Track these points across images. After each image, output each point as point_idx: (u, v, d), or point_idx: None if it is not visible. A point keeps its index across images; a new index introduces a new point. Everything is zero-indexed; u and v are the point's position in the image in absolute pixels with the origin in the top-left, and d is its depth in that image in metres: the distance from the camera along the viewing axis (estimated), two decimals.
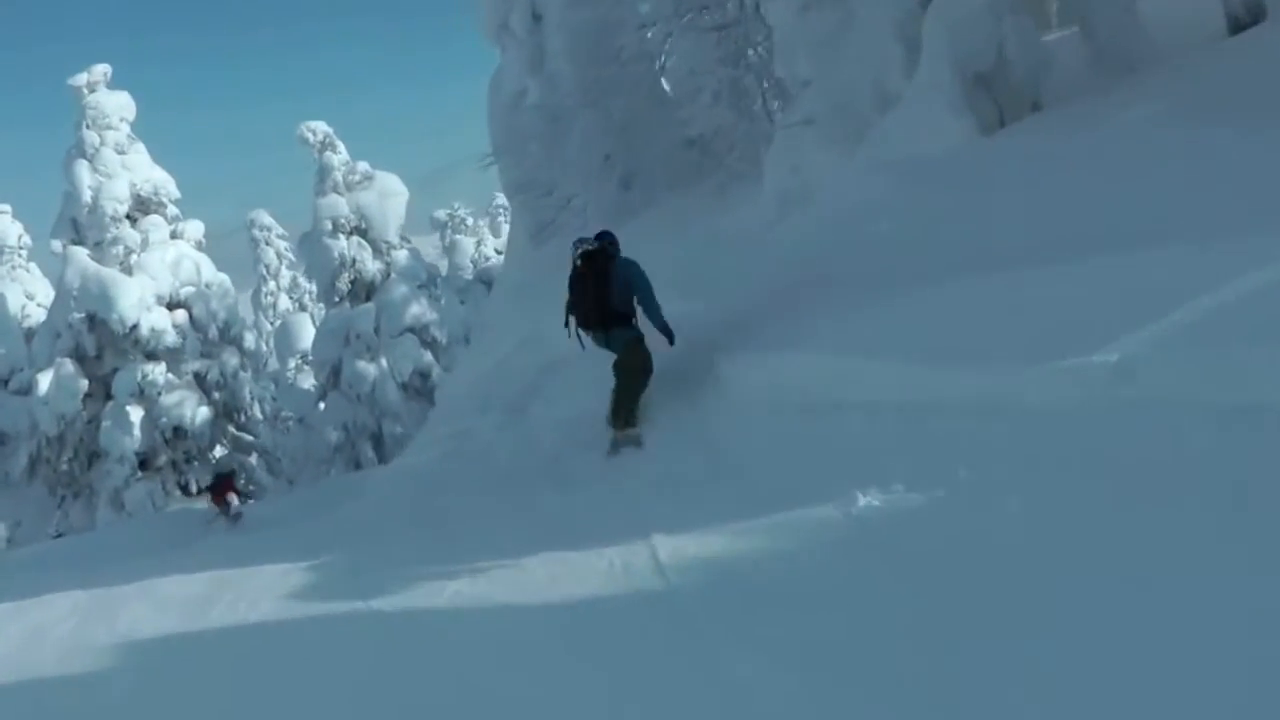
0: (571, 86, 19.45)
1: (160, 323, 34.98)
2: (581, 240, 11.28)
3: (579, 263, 10.92)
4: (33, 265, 40.62)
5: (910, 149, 12.50)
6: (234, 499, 23.70)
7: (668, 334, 10.93)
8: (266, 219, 68.98)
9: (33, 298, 39.61)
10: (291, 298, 68.06)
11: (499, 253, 57.34)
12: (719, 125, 16.61)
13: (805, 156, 15.28)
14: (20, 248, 40.24)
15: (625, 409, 10.69)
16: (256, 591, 9.63)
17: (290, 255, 66.18)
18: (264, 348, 64.41)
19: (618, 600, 6.75)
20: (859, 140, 13.89)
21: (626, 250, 11.49)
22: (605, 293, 10.75)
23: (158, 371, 35.11)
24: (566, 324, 11.13)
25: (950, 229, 9.98)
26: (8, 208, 39.98)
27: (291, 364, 56.34)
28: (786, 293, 10.99)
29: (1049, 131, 11.86)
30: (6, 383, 37.91)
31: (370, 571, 9.09)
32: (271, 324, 65.50)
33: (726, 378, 10.30)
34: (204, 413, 35.81)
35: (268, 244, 68.21)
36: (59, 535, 36.14)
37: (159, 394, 35.16)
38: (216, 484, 25.10)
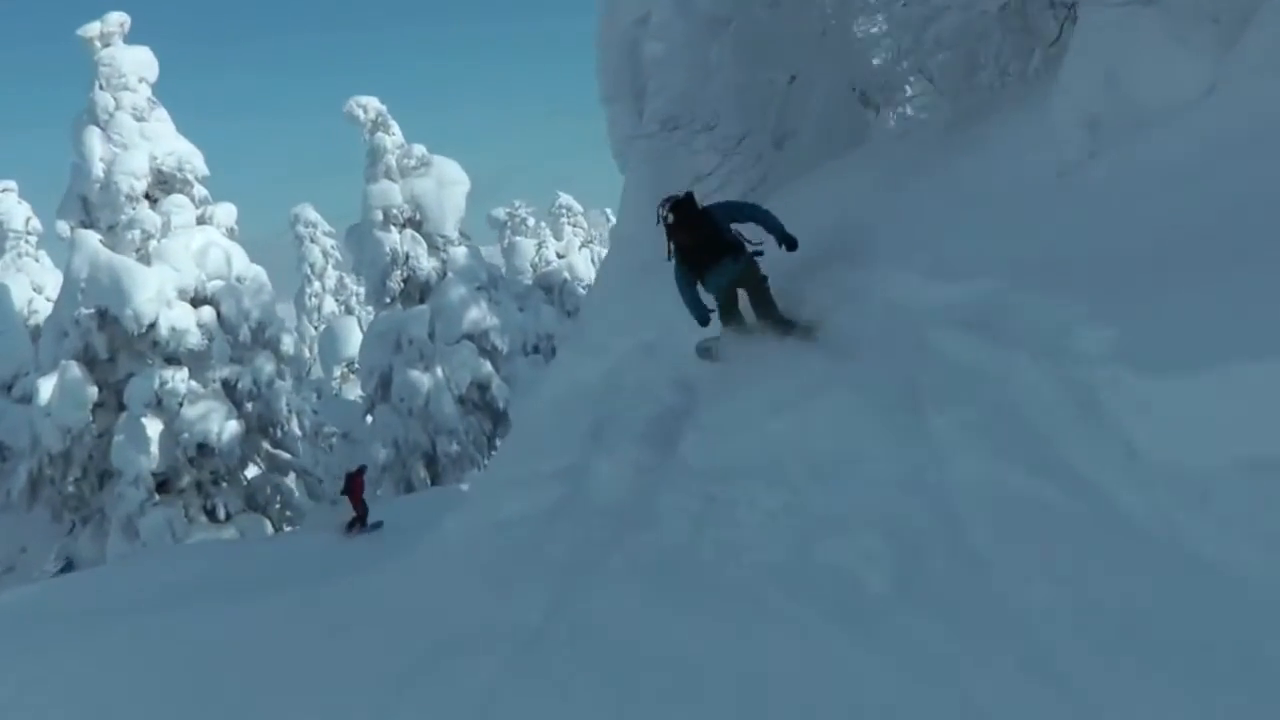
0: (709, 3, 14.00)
1: (182, 321, 30.02)
2: (669, 198, 10.67)
3: (670, 217, 10.41)
4: (43, 254, 36.45)
5: None
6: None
7: (791, 241, 10.16)
8: (312, 214, 64.65)
9: (41, 290, 35.17)
10: (338, 300, 63.78)
11: (560, 256, 52.89)
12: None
13: (1133, 57, 9.41)
14: (28, 233, 35.84)
15: (777, 319, 9.99)
16: None
17: (337, 254, 61.79)
18: (306, 354, 60.97)
19: None
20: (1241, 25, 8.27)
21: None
22: (714, 229, 10.25)
23: (179, 378, 30.08)
24: (683, 286, 10.42)
25: None
26: (13, 184, 35.45)
27: (337, 372, 52.98)
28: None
29: None
30: (10, 388, 33.20)
31: None
32: (316, 328, 61.20)
33: None
34: (233, 427, 30.79)
35: (313, 241, 63.81)
36: (64, 567, 31.48)
37: (180, 405, 30.18)
38: (349, 485, 24.36)
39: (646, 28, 16.33)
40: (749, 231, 10.27)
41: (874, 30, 12.39)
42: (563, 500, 9.49)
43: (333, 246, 62.14)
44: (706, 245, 10.21)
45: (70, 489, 31.56)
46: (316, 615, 10.31)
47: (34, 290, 35.71)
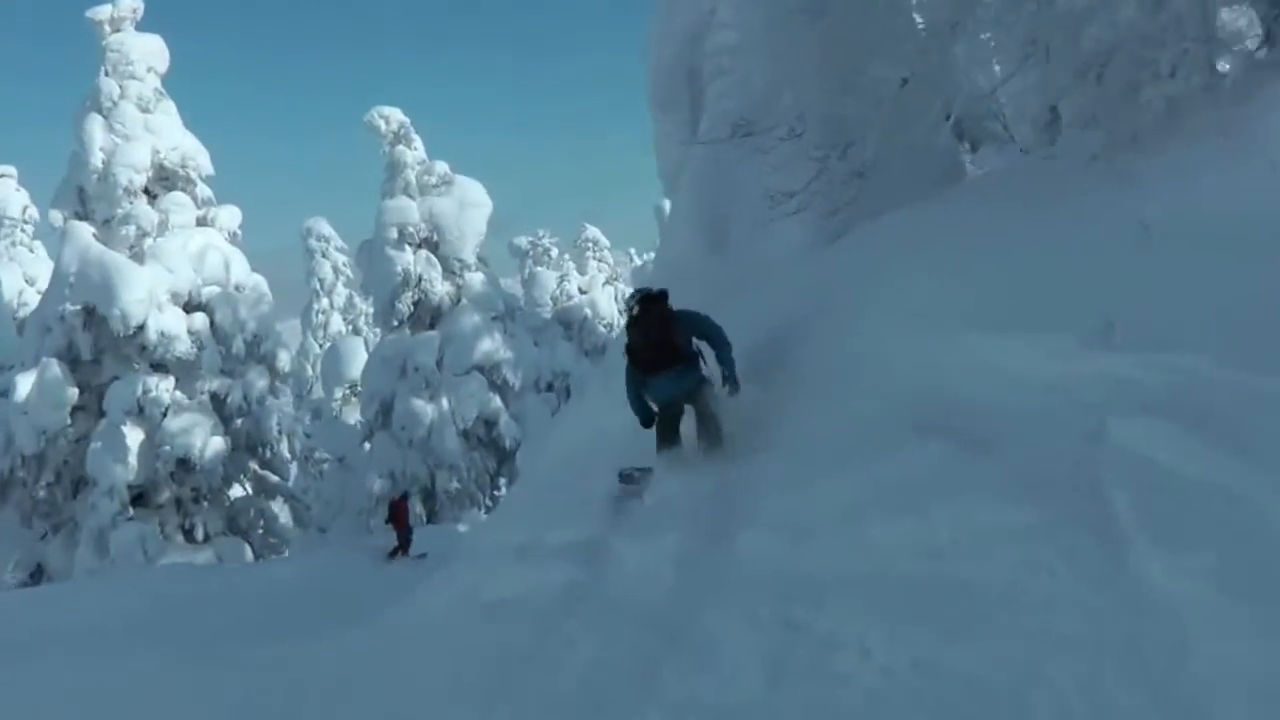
0: None
1: (172, 326, 28.06)
2: (638, 289, 10.56)
3: (635, 309, 10.15)
4: (38, 245, 34.52)
5: None
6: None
7: (735, 383, 9.69)
8: (325, 228, 62.36)
9: (33, 283, 33.46)
10: (346, 319, 61.55)
11: (583, 292, 50.82)
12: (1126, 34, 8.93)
13: None
14: (25, 221, 34.13)
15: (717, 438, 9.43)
16: None
17: (348, 271, 59.76)
18: (309, 372, 58.83)
19: None
20: None
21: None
22: (672, 334, 9.80)
23: (163, 387, 28.13)
24: (629, 386, 10.07)
25: None
26: (12, 171, 33.63)
27: (338, 394, 50.84)
28: None
29: None
30: None
31: None
32: (320, 346, 59.04)
33: None
34: (217, 443, 28.79)
35: (324, 256, 61.62)
36: (32, 574, 29.53)
37: (164, 415, 28.14)
38: (393, 513, 24.21)
39: (714, 18, 14.43)
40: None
41: (985, 38, 10.24)
42: (573, 588, 7.30)
43: (345, 263, 60.05)
44: (657, 350, 9.81)
45: (42, 494, 29.56)
46: (219, 698, 8.30)
47: (26, 282, 33.87)
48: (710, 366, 9.87)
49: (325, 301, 61.65)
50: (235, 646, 11.03)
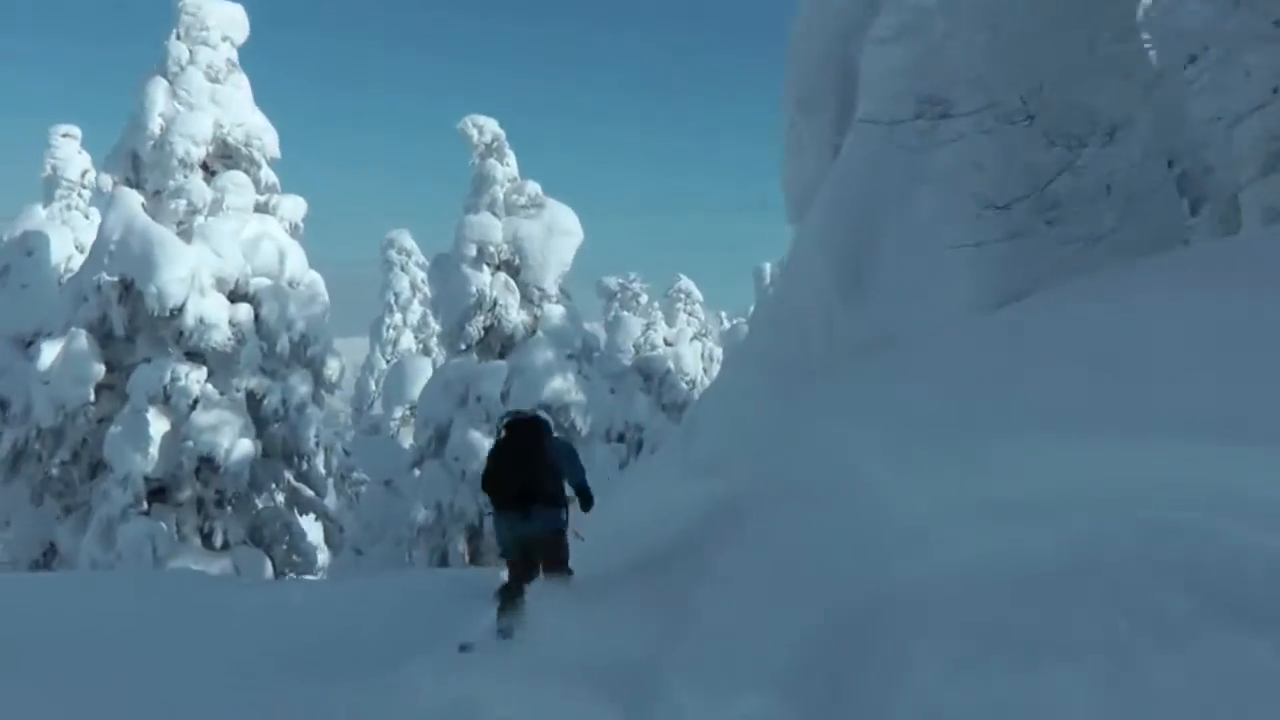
0: None
1: (212, 313, 25.97)
2: (513, 411, 10.12)
3: (504, 432, 9.48)
4: (94, 211, 32.57)
5: None
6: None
7: (587, 496, 9.54)
8: (408, 241, 61.01)
9: (83, 250, 31.52)
10: (418, 338, 59.74)
11: (669, 344, 48.40)
12: None
13: None
14: (84, 185, 32.54)
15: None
16: None
17: (425, 289, 58.06)
18: (373, 388, 56.98)
19: None
20: None
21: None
22: (536, 467, 9.09)
23: (194, 377, 25.98)
24: (488, 502, 9.60)
25: None
26: (75, 131, 32.07)
27: (398, 413, 49.17)
28: None
29: None
30: (30, 344, 29.73)
31: None
32: (387, 363, 57.27)
33: None
34: (245, 446, 26.54)
35: (403, 270, 60.11)
36: (44, 557, 27.83)
37: (191, 407, 25.85)
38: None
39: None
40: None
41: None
42: None
43: (423, 280, 58.46)
44: (511, 482, 9.11)
45: (55, 471, 27.65)
46: None
47: (76, 248, 32.20)
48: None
49: (398, 317, 60.11)
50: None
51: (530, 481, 8.93)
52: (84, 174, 32.96)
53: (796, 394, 9.58)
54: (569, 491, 9.50)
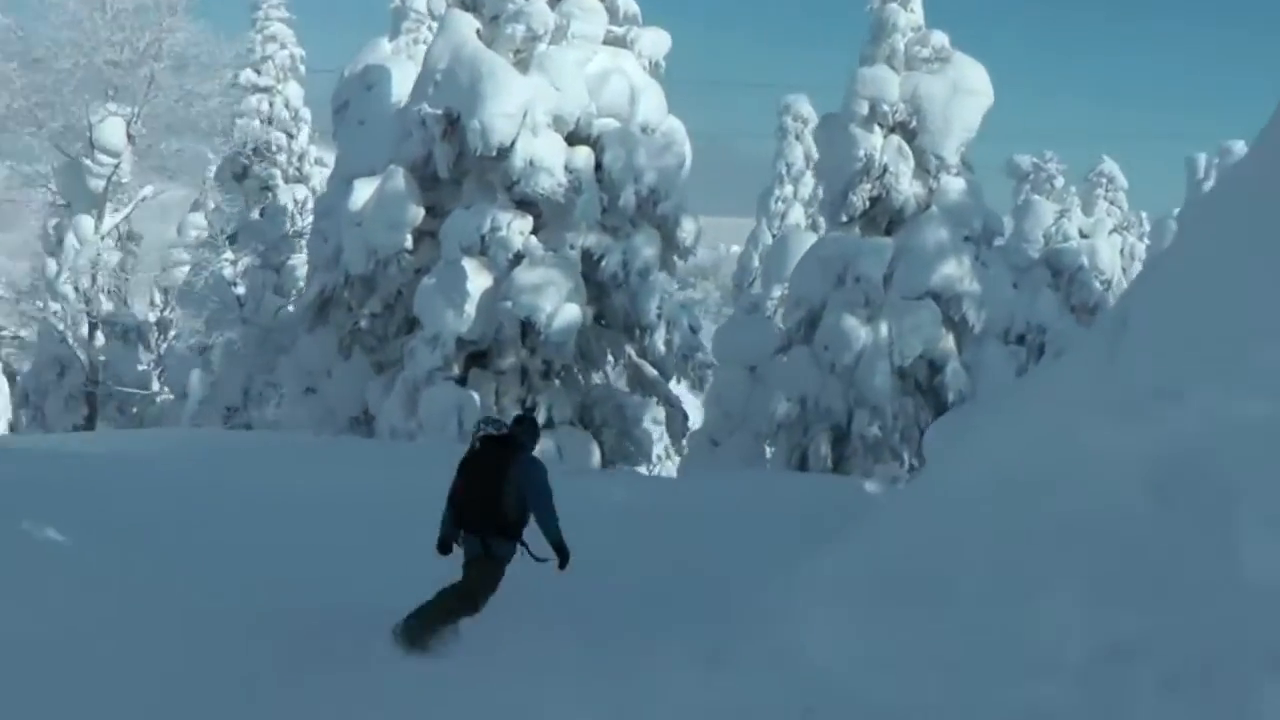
0: None
1: (545, 156, 22.67)
2: (489, 421, 9.42)
3: (477, 445, 9.05)
4: None
5: None
6: None
7: (562, 553, 8.82)
8: (805, 108, 56.12)
9: None
10: (808, 212, 55.99)
11: (1084, 236, 42.57)
12: None
13: None
14: (433, 17, 29.97)
15: (431, 625, 8.55)
16: None
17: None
18: (755, 264, 53.71)
19: None
20: None
21: None
22: (498, 491, 8.65)
23: (517, 228, 22.68)
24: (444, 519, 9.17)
25: None
26: None
27: (777, 292, 45.55)
28: None
29: None
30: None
31: None
32: (773, 237, 53.67)
33: None
34: (571, 312, 23.08)
35: (798, 139, 56.10)
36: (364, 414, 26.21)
37: (512, 262, 22.52)
38: None
39: None
40: None
41: None
42: None
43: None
44: (471, 506, 8.78)
45: (364, 324, 25.38)
46: None
47: None
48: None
49: (789, 189, 56.43)
50: None
51: (490, 508, 8.66)
52: (432, 3, 30.21)
53: None
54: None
